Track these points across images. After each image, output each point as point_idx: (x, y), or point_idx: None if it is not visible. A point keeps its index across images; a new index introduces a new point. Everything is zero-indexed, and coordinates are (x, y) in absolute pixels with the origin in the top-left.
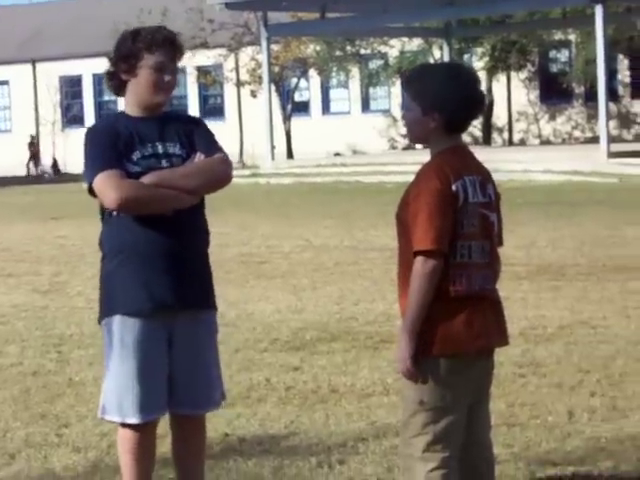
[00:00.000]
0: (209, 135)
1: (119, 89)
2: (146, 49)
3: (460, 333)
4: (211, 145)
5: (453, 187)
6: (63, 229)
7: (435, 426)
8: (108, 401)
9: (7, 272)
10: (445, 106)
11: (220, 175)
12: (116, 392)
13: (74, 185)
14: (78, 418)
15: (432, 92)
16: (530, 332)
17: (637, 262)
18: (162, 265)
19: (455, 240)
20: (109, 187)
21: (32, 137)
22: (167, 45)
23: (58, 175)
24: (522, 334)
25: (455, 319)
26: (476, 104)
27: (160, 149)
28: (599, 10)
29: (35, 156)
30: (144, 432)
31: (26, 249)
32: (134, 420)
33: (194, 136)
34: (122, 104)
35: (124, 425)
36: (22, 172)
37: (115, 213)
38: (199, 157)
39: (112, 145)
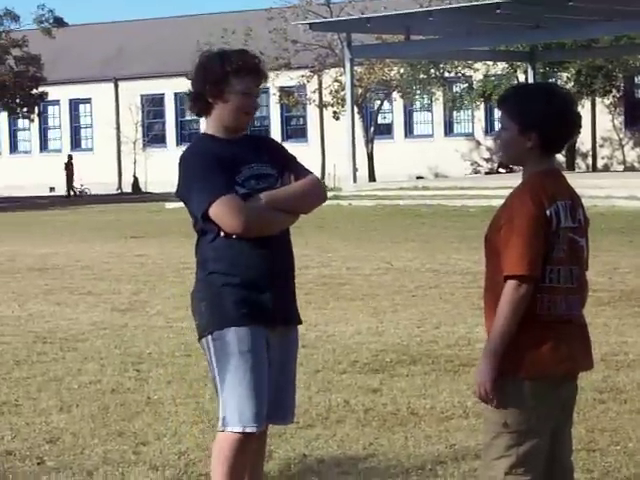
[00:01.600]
0: (293, 156)
1: (203, 110)
2: (234, 74)
3: (546, 356)
4: (300, 166)
5: (547, 212)
6: (143, 248)
7: (518, 449)
8: (230, 412)
9: (87, 290)
10: (543, 125)
11: (320, 195)
12: (236, 402)
13: (154, 204)
14: (156, 436)
15: (530, 111)
16: (611, 358)
17: None
18: (267, 282)
19: (545, 264)
20: (232, 212)
21: (69, 157)
22: (254, 70)
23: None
24: (603, 360)
25: (542, 342)
26: (573, 124)
27: (257, 170)
28: None
29: (70, 177)
30: (250, 442)
31: (106, 267)
32: (253, 429)
33: (280, 157)
34: (203, 123)
35: (236, 434)
36: (104, 190)
37: (230, 236)
38: (289, 177)
39: (219, 169)
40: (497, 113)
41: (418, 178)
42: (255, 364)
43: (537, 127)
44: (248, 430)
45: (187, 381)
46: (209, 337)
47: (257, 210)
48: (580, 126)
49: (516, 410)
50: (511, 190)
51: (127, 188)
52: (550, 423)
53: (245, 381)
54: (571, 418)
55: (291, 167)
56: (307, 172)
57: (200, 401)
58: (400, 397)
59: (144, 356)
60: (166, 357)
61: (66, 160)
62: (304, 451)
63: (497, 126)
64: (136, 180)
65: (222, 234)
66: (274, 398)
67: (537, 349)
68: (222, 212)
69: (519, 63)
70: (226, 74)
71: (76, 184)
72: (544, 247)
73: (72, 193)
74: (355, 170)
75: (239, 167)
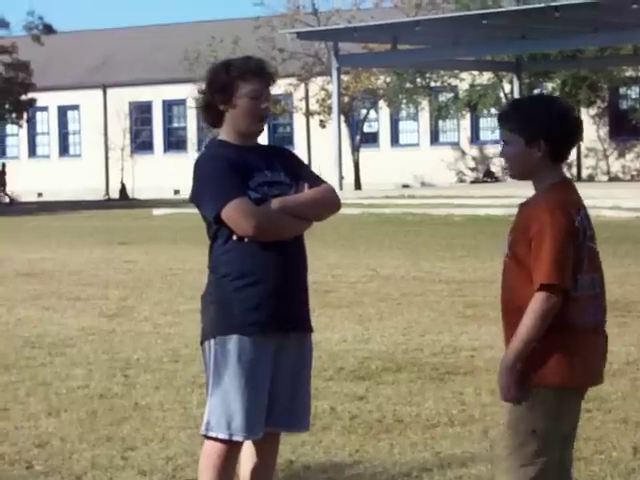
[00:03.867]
0: (307, 165)
1: (216, 120)
2: (240, 78)
3: (576, 366)
4: (314, 175)
5: (576, 223)
6: (131, 254)
7: (546, 456)
8: (215, 418)
9: (75, 295)
10: (549, 132)
11: (334, 203)
12: (226, 409)
13: (142, 211)
14: (144, 441)
15: (534, 121)
16: None
17: None
18: (280, 289)
19: (574, 274)
20: (244, 215)
21: (3, 165)
22: (260, 72)
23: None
24: None
25: (574, 352)
26: (576, 128)
27: (269, 177)
28: None
29: (2, 184)
30: (237, 450)
31: (94, 273)
32: (240, 437)
33: (294, 166)
34: (190, 131)
35: (224, 442)
36: (91, 196)
37: (242, 239)
38: (303, 186)
39: (233, 173)
40: (482, 122)
41: (404, 187)
42: (253, 375)
43: (543, 135)
44: (235, 438)
45: (175, 387)
46: (212, 341)
47: (270, 214)
48: (582, 130)
49: (544, 417)
50: (503, 199)
51: (114, 194)
52: (573, 432)
53: (240, 390)
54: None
55: (306, 176)
56: (322, 181)
57: (188, 407)
58: (386, 404)
59: (132, 362)
60: (154, 363)
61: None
62: (290, 457)
63: (483, 135)
64: (123, 186)
65: (235, 237)
66: (287, 405)
67: (567, 358)
68: (234, 214)
69: (505, 73)
70: (232, 79)
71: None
72: (574, 258)
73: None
74: (341, 178)
75: (252, 173)
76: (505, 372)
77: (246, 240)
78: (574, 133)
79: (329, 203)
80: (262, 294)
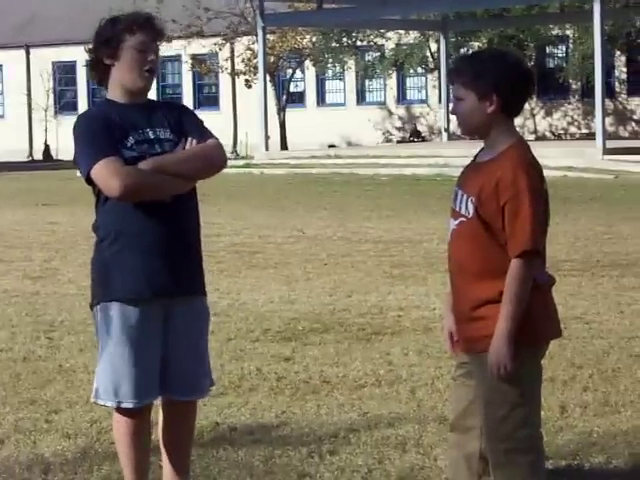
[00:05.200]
0: (199, 121)
1: (103, 76)
2: (127, 31)
3: (550, 320)
4: (203, 130)
5: (544, 185)
6: (54, 216)
7: (535, 417)
8: (103, 385)
9: None
10: (500, 86)
11: (216, 160)
12: (112, 376)
13: (66, 172)
14: (68, 404)
15: (485, 75)
16: None
17: (632, 259)
18: (160, 251)
19: None
20: (110, 175)
21: None
22: (147, 26)
23: None
24: None
25: (544, 308)
26: (528, 81)
27: (151, 135)
28: (597, 6)
29: None
30: (141, 416)
31: (17, 235)
32: (130, 404)
33: (183, 122)
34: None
35: (119, 410)
36: (14, 157)
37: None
38: (191, 142)
39: (107, 132)
40: (409, 82)
41: (330, 147)
42: (138, 341)
43: (495, 89)
44: (124, 405)
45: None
46: (97, 307)
47: (139, 174)
48: (534, 83)
49: (531, 379)
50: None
51: (38, 155)
52: None
53: (125, 357)
54: None
55: (194, 132)
56: (210, 136)
57: None
58: (313, 365)
59: (56, 324)
60: (78, 325)
61: None
62: (216, 419)
63: (410, 95)
64: (47, 147)
65: (106, 198)
66: (183, 371)
67: (542, 315)
68: (100, 175)
69: (431, 32)
70: (118, 32)
71: None
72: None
73: None
74: (267, 138)
75: (130, 130)
76: (506, 346)
77: (111, 200)
78: (526, 86)
79: (209, 160)
80: (139, 258)
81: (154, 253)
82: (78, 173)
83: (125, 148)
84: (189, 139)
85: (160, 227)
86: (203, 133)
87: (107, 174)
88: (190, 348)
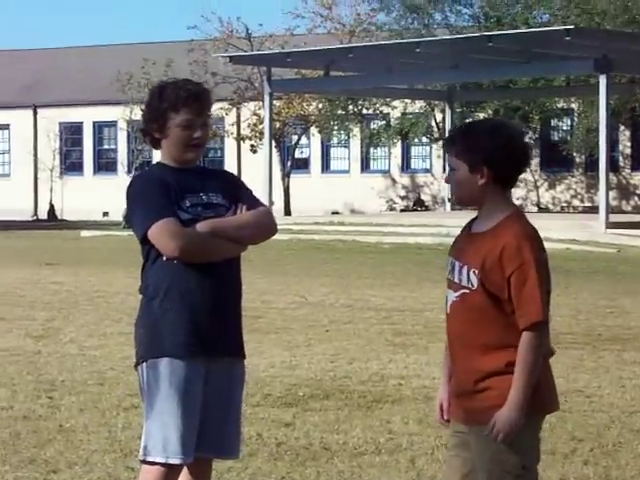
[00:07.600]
0: (248, 188)
1: (154, 144)
2: (172, 109)
3: (551, 390)
4: (253, 198)
5: (545, 254)
6: (58, 275)
7: None
8: (152, 441)
9: (0, 316)
10: (491, 159)
11: (269, 226)
12: (162, 432)
13: (70, 232)
14: (67, 464)
15: (476, 147)
16: None
17: (634, 333)
18: (208, 312)
19: None
20: (169, 235)
21: None
22: (192, 101)
23: None
24: None
25: (547, 377)
26: (522, 155)
27: (205, 199)
28: (603, 80)
29: None
30: (175, 473)
31: (20, 294)
32: (177, 460)
33: (234, 188)
34: (121, 153)
35: (163, 465)
36: (19, 216)
37: (172, 260)
38: (242, 208)
39: (164, 193)
40: (413, 151)
41: (334, 213)
42: (185, 396)
43: (485, 162)
44: (172, 461)
45: (100, 409)
46: (144, 365)
47: (195, 235)
48: (530, 157)
49: (532, 449)
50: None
51: (43, 215)
52: None
53: (173, 412)
54: None
55: (244, 199)
56: (260, 204)
57: (112, 430)
58: (313, 432)
59: (57, 383)
60: (79, 385)
61: None
62: None
63: (414, 164)
64: (52, 207)
65: (164, 259)
66: (217, 431)
67: (547, 385)
68: (160, 235)
69: (437, 102)
70: (164, 110)
71: None
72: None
73: None
74: (271, 204)
75: (185, 193)
76: (518, 415)
77: (175, 262)
78: (518, 159)
79: (263, 227)
80: (188, 315)
81: (202, 312)
82: (83, 233)
83: (181, 210)
84: (240, 205)
85: (209, 287)
86: (254, 200)
87: (166, 235)
88: (227, 409)
